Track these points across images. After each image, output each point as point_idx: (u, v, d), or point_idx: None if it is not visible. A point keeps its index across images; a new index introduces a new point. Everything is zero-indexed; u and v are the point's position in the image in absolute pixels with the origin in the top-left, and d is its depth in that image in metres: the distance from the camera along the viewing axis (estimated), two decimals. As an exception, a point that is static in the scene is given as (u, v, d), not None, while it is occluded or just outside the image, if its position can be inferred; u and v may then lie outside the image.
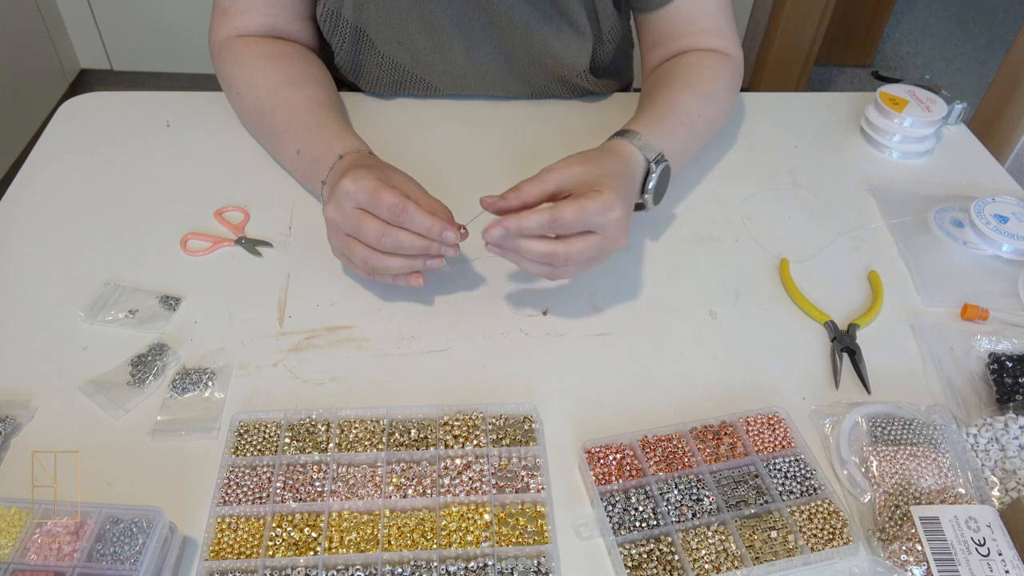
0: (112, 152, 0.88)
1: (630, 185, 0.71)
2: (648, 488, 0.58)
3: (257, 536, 0.55)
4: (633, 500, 0.58)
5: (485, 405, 0.63)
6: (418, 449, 0.60)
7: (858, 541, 0.56)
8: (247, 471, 0.59)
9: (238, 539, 0.55)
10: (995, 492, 0.59)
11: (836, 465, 0.61)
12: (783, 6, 2.20)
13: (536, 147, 0.91)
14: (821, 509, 0.57)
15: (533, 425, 0.62)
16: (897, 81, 0.96)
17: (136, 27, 2.36)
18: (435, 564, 0.54)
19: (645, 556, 0.54)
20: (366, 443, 0.61)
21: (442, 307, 0.73)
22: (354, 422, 0.62)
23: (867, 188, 0.88)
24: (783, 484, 0.59)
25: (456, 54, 0.89)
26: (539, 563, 0.54)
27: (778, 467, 0.60)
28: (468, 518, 0.57)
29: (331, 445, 0.60)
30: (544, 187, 0.67)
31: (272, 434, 0.61)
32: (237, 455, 0.60)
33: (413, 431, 0.61)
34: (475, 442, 0.61)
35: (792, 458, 0.60)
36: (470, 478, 0.59)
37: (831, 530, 0.56)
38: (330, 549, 0.55)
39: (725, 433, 0.62)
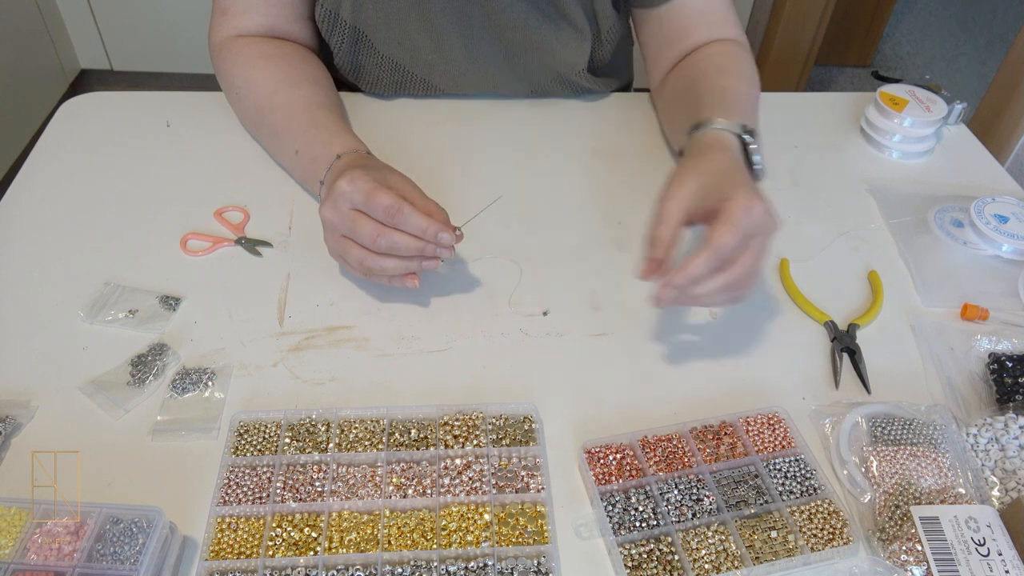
0: (112, 152, 0.88)
1: (742, 166, 0.68)
2: (648, 488, 0.58)
3: (257, 536, 0.55)
4: (633, 500, 0.58)
5: (485, 405, 0.63)
6: (418, 449, 0.60)
7: (858, 541, 0.56)
8: (247, 471, 0.59)
9: (238, 539, 0.55)
10: (995, 492, 0.59)
11: (836, 465, 0.61)
12: (783, 6, 2.20)
13: (536, 147, 0.91)
14: (821, 509, 0.57)
15: (533, 425, 0.62)
16: (897, 81, 0.96)
17: (136, 27, 2.36)
18: (435, 564, 0.54)
19: (645, 556, 0.54)
20: (366, 443, 0.61)
21: (442, 307, 0.73)
22: (354, 422, 0.62)
23: (867, 188, 0.88)
24: (783, 484, 0.59)
25: (456, 53, 0.89)
26: (539, 563, 0.54)
27: (778, 467, 0.60)
28: (468, 518, 0.57)
29: (331, 445, 0.60)
30: (673, 223, 0.62)
31: (272, 434, 0.61)
32: (237, 455, 0.60)
33: (413, 431, 0.61)
34: (475, 442, 0.61)
35: (792, 458, 0.60)
36: (470, 478, 0.59)
37: (831, 530, 0.56)
38: (330, 549, 0.55)
39: (725, 433, 0.62)
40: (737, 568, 0.54)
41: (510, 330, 0.71)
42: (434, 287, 0.74)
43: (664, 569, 0.54)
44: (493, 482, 0.59)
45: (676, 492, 0.58)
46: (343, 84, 0.96)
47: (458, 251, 0.76)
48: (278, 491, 0.57)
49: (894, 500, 0.57)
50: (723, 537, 0.56)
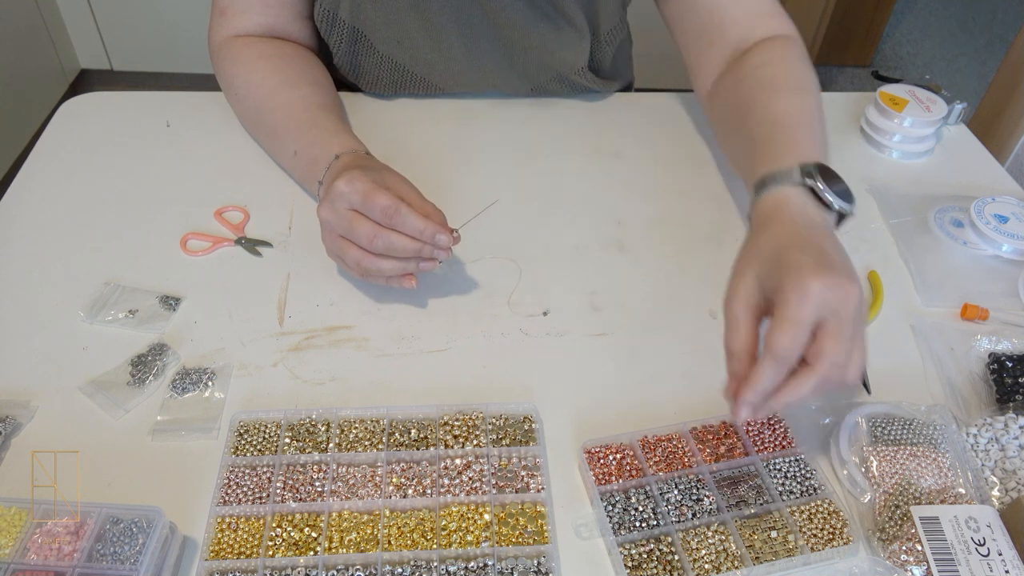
0: (112, 152, 0.88)
1: (809, 229, 0.59)
2: (648, 488, 0.58)
3: (257, 536, 0.55)
4: (633, 500, 0.58)
5: (485, 405, 0.63)
6: (418, 449, 0.60)
7: (858, 541, 0.56)
8: (247, 471, 0.59)
9: (238, 539, 0.55)
10: (995, 492, 0.59)
11: (836, 465, 0.61)
12: (783, 6, 2.20)
13: (536, 147, 0.91)
14: (821, 509, 0.57)
15: (533, 425, 0.62)
16: (897, 81, 0.96)
17: (136, 27, 2.36)
18: (435, 564, 0.54)
19: (645, 556, 0.54)
20: (366, 443, 0.61)
21: (442, 307, 0.73)
22: (354, 422, 0.62)
23: (867, 188, 0.88)
24: (783, 484, 0.59)
25: (455, 52, 0.89)
26: (539, 563, 0.54)
27: (778, 467, 0.60)
28: (468, 518, 0.57)
29: (331, 445, 0.60)
30: (742, 328, 0.56)
31: (272, 434, 0.61)
32: (237, 455, 0.60)
33: (413, 431, 0.61)
34: (475, 442, 0.61)
35: (792, 458, 0.60)
36: (470, 478, 0.59)
37: (831, 530, 0.56)
38: (330, 549, 0.55)
39: (725, 433, 0.62)
40: (737, 568, 0.54)
41: (510, 330, 0.71)
42: (434, 287, 0.74)
43: (664, 569, 0.54)
44: (493, 482, 0.59)
45: (676, 492, 0.58)
46: (343, 84, 0.96)
47: (457, 251, 0.76)
48: (278, 491, 0.57)
49: (894, 500, 0.57)
50: (723, 537, 0.56)
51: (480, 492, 0.58)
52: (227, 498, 0.57)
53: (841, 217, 0.63)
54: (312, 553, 0.54)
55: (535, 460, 0.60)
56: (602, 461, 0.60)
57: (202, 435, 0.62)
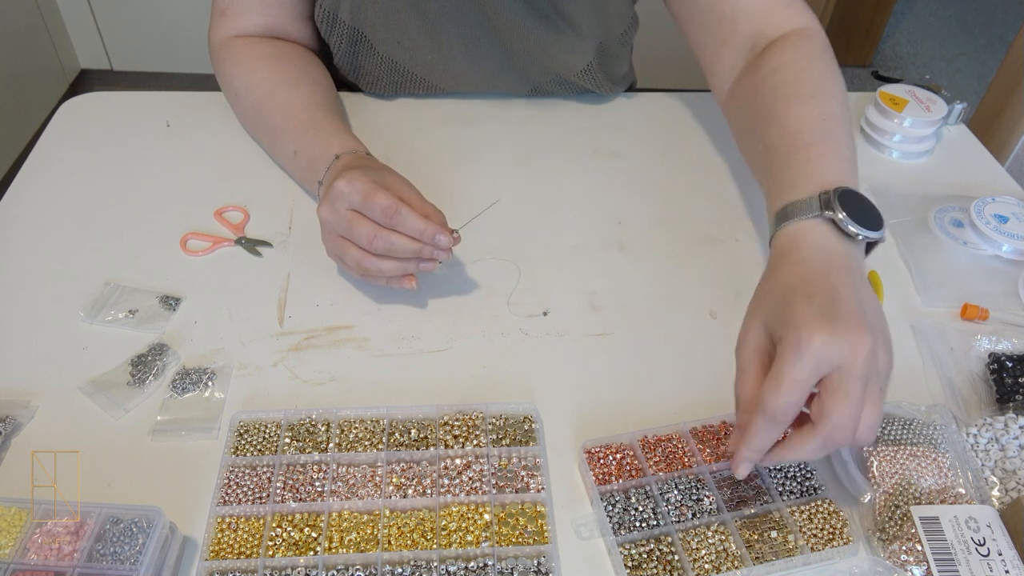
0: (112, 152, 0.88)
1: (819, 272, 0.54)
2: (648, 488, 0.58)
3: (257, 536, 0.55)
4: (633, 500, 0.58)
5: (485, 405, 0.63)
6: (418, 449, 0.60)
7: (858, 541, 0.56)
8: (247, 471, 0.59)
9: (238, 539, 0.55)
10: (995, 492, 0.59)
11: (836, 465, 0.61)
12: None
13: (536, 147, 0.91)
14: (821, 509, 0.57)
15: (533, 425, 0.62)
16: (897, 81, 0.96)
17: (136, 27, 2.36)
18: (435, 564, 0.54)
19: (645, 556, 0.54)
20: (366, 443, 0.61)
21: (442, 307, 0.73)
22: (354, 422, 0.62)
23: (867, 188, 0.88)
24: (783, 484, 0.59)
25: (455, 52, 0.89)
26: (539, 563, 0.54)
27: (778, 467, 0.60)
28: (468, 518, 0.57)
29: (331, 445, 0.60)
30: (750, 376, 0.53)
31: (272, 434, 0.61)
32: (237, 455, 0.60)
33: (413, 431, 0.61)
34: (475, 442, 0.61)
35: (792, 458, 0.60)
36: (470, 478, 0.59)
37: (831, 530, 0.56)
38: (330, 549, 0.55)
39: (725, 433, 0.62)
40: (737, 568, 0.54)
41: (510, 330, 0.71)
42: (434, 287, 0.74)
43: (664, 569, 0.54)
44: (493, 482, 0.59)
45: (676, 492, 0.58)
46: (343, 84, 0.96)
47: (457, 251, 0.76)
48: (278, 491, 0.57)
49: (894, 500, 0.57)
50: (723, 537, 0.56)
51: (480, 492, 0.58)
52: (227, 498, 0.57)
53: (871, 244, 0.59)
54: (312, 553, 0.54)
55: (535, 460, 0.60)
56: (602, 461, 0.60)
57: (202, 435, 0.62)
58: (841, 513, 0.57)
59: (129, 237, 0.78)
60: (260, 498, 0.57)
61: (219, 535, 0.55)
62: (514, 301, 0.73)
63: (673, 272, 0.77)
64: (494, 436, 0.61)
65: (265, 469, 0.59)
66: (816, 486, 0.59)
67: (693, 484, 0.59)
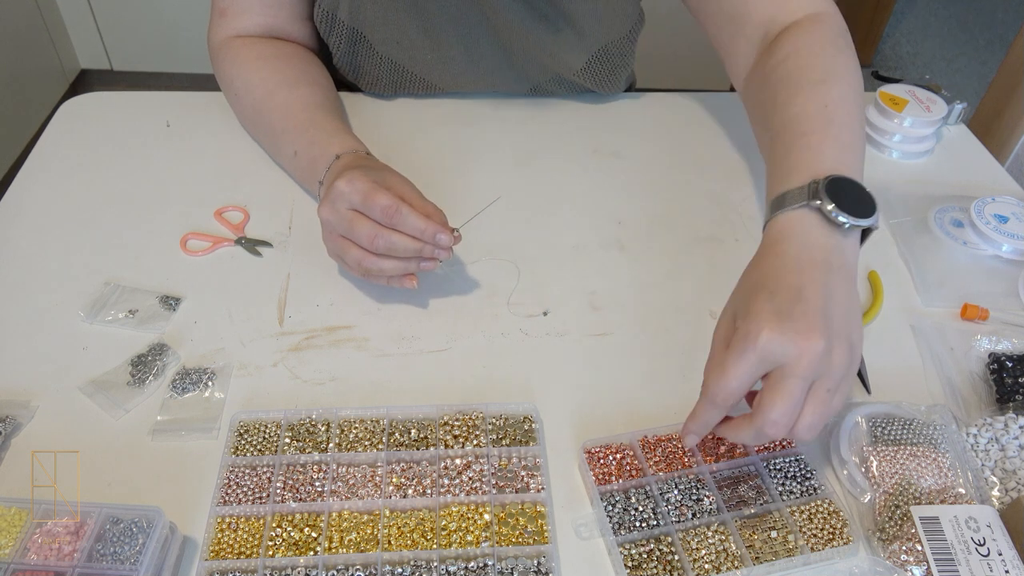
0: (112, 152, 0.88)
1: (793, 267, 0.54)
2: (648, 488, 0.58)
3: (257, 536, 0.55)
4: (633, 500, 0.58)
5: (485, 405, 0.63)
6: (418, 449, 0.60)
7: (858, 541, 0.56)
8: (247, 471, 0.59)
9: (238, 539, 0.55)
10: (995, 492, 0.59)
11: (836, 465, 0.61)
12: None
13: (537, 147, 0.91)
14: (821, 509, 0.57)
15: (533, 425, 0.62)
16: (897, 81, 0.96)
17: (136, 27, 2.36)
18: (435, 564, 0.54)
19: (645, 556, 0.54)
20: (366, 443, 0.61)
21: (442, 307, 0.73)
22: (354, 422, 0.62)
23: (867, 188, 0.88)
24: (783, 484, 0.59)
25: (454, 52, 0.89)
26: (539, 563, 0.54)
27: (778, 467, 0.60)
28: (468, 518, 0.57)
29: (331, 445, 0.60)
30: (714, 358, 0.55)
31: (272, 434, 0.61)
32: (237, 455, 0.60)
33: (413, 431, 0.61)
34: (475, 442, 0.61)
35: (792, 458, 0.60)
36: (470, 478, 0.59)
37: (831, 530, 0.56)
38: (330, 549, 0.55)
39: (725, 433, 0.62)
40: (737, 568, 0.54)
41: (510, 330, 0.71)
42: (434, 287, 0.74)
43: (664, 569, 0.54)
44: (493, 482, 0.59)
45: (676, 492, 0.58)
46: (343, 84, 0.96)
47: (458, 251, 0.76)
48: (278, 491, 0.57)
49: (894, 500, 0.57)
50: (723, 537, 0.55)
51: (480, 492, 0.58)
52: (227, 498, 0.57)
53: (866, 231, 0.58)
54: (312, 553, 0.54)
55: (535, 460, 0.60)
56: (602, 461, 0.60)
57: (202, 435, 0.62)
58: (841, 513, 0.57)
59: (129, 237, 0.78)
60: (260, 498, 0.57)
61: (219, 535, 0.55)
62: (514, 301, 0.73)
63: (673, 272, 0.77)
64: (494, 436, 0.61)
65: (265, 469, 0.59)
66: (816, 486, 0.59)
67: (693, 484, 0.59)
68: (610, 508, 0.57)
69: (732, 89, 0.86)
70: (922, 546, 0.54)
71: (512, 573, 0.53)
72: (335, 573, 0.53)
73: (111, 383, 0.65)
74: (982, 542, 0.54)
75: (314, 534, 0.55)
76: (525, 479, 0.59)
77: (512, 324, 0.71)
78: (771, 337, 0.50)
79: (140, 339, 0.68)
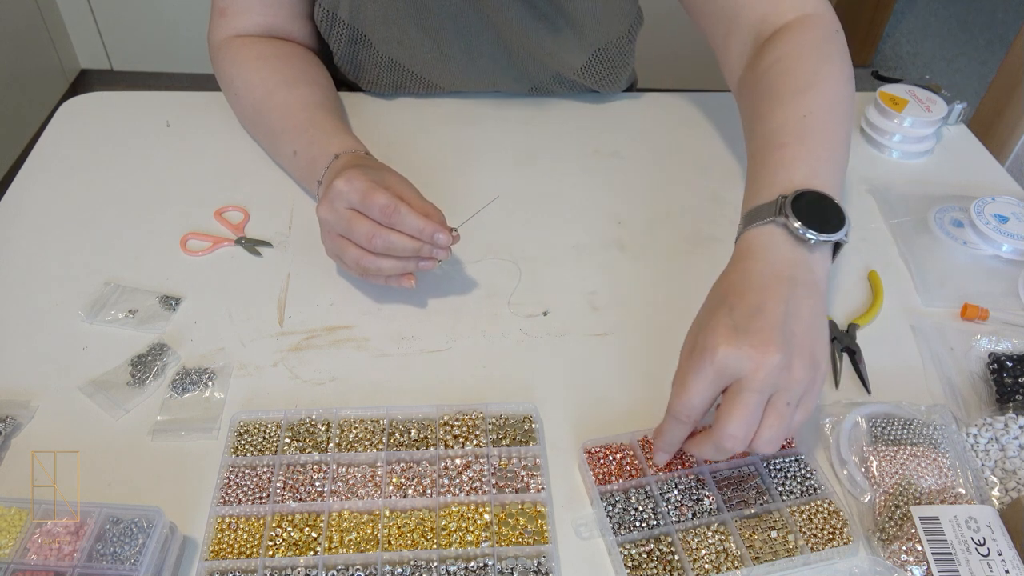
0: (112, 152, 0.88)
1: (756, 283, 0.54)
2: (648, 488, 0.58)
3: (257, 536, 0.55)
4: (633, 500, 0.58)
5: (485, 405, 0.63)
6: (418, 449, 0.60)
7: (858, 541, 0.56)
8: (247, 471, 0.59)
9: (238, 539, 0.55)
10: (995, 492, 0.59)
11: (836, 465, 0.61)
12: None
13: (536, 147, 0.91)
14: (821, 509, 0.57)
15: (533, 425, 0.62)
16: (897, 81, 0.96)
17: (136, 27, 2.36)
18: (435, 564, 0.54)
19: (645, 556, 0.54)
20: (366, 443, 0.61)
21: (442, 307, 0.73)
22: (354, 422, 0.62)
23: (867, 188, 0.88)
24: (783, 484, 0.59)
25: (454, 51, 0.89)
26: (539, 563, 0.54)
27: (778, 467, 0.60)
28: (468, 518, 0.57)
29: (331, 445, 0.60)
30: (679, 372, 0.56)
31: (272, 434, 0.61)
32: (237, 455, 0.60)
33: (413, 431, 0.61)
34: (475, 442, 0.61)
35: (792, 458, 0.60)
36: (470, 478, 0.59)
37: (831, 530, 0.56)
38: (330, 549, 0.55)
39: (725, 433, 0.62)
40: (737, 568, 0.54)
41: (510, 330, 0.71)
42: (434, 287, 0.74)
43: (664, 569, 0.54)
44: (493, 482, 0.59)
45: (676, 492, 0.58)
46: (343, 83, 0.96)
47: (458, 251, 0.76)
48: (278, 491, 0.57)
49: (894, 500, 0.57)
50: (723, 537, 0.55)
51: (480, 492, 0.58)
52: (227, 498, 0.57)
53: (837, 244, 0.59)
54: (312, 553, 0.54)
55: (535, 460, 0.60)
56: (602, 461, 0.60)
57: (202, 435, 0.62)
58: (841, 513, 0.57)
59: (129, 237, 0.78)
60: (260, 498, 0.57)
61: (219, 535, 0.55)
62: (514, 301, 0.73)
63: (673, 272, 0.77)
64: (494, 436, 0.61)
65: (265, 469, 0.59)
66: (816, 486, 0.59)
67: (693, 484, 0.59)
68: (610, 508, 0.57)
69: (732, 89, 0.86)
70: (922, 546, 0.54)
71: (512, 573, 0.53)
72: (335, 573, 0.53)
73: (111, 383, 0.65)
74: (982, 542, 0.54)
75: (314, 534, 0.55)
76: (525, 479, 0.59)
77: (512, 324, 0.71)
78: (727, 352, 0.50)
79: (140, 339, 0.68)
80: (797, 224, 0.56)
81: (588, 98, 0.98)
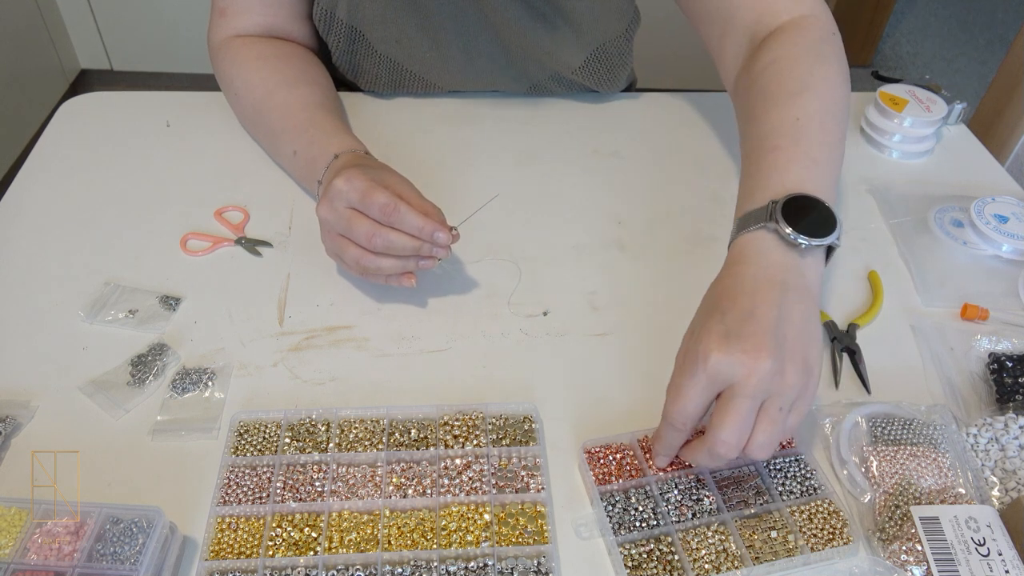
0: (112, 152, 0.88)
1: (748, 288, 0.55)
2: (648, 488, 0.58)
3: (257, 536, 0.55)
4: (633, 500, 0.58)
5: (485, 405, 0.63)
6: (418, 449, 0.60)
7: (858, 541, 0.56)
8: (247, 471, 0.59)
9: (238, 539, 0.55)
10: (995, 492, 0.59)
11: (836, 465, 0.61)
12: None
13: (536, 147, 0.91)
14: (821, 509, 0.57)
15: (533, 425, 0.62)
16: (897, 81, 0.96)
17: (136, 27, 2.36)
18: (435, 564, 0.54)
19: (645, 556, 0.54)
20: (366, 443, 0.61)
21: (442, 307, 0.73)
22: (354, 422, 0.62)
23: (867, 188, 0.88)
24: (783, 484, 0.59)
25: (453, 51, 0.89)
26: (539, 563, 0.54)
27: (778, 467, 0.60)
28: (468, 518, 0.57)
29: (331, 445, 0.60)
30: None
31: (272, 434, 0.61)
32: (237, 455, 0.60)
33: (413, 431, 0.61)
34: (475, 442, 0.61)
35: (792, 458, 0.60)
36: (470, 478, 0.59)
37: (831, 530, 0.56)
38: (330, 549, 0.55)
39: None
40: (737, 568, 0.54)
41: (510, 330, 0.71)
42: (434, 287, 0.74)
43: (664, 569, 0.54)
44: (493, 482, 0.59)
45: (676, 492, 0.58)
46: (342, 83, 0.96)
47: (457, 251, 0.77)
48: (278, 491, 0.57)
49: (894, 500, 0.57)
50: (723, 537, 0.55)
51: (480, 492, 0.58)
52: (227, 498, 0.57)
53: (830, 248, 0.59)
54: (312, 553, 0.54)
55: (535, 460, 0.60)
56: (602, 461, 0.60)
57: (202, 435, 0.62)
58: (841, 513, 0.57)
59: (129, 237, 0.78)
60: (260, 498, 0.57)
61: (219, 535, 0.55)
62: (514, 301, 0.73)
63: (673, 272, 0.77)
64: (494, 436, 0.61)
65: (265, 469, 0.59)
66: (816, 486, 0.59)
67: (693, 484, 0.59)
68: (610, 508, 0.57)
69: (732, 89, 0.86)
70: (922, 546, 0.54)
71: (512, 573, 0.53)
72: (335, 573, 0.53)
73: (111, 383, 0.65)
74: (982, 542, 0.54)
75: (314, 534, 0.55)
76: (525, 479, 0.59)
77: (512, 324, 0.71)
78: (719, 358, 0.51)
79: (140, 339, 0.68)
80: (788, 229, 0.56)
81: (587, 98, 0.98)
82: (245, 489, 0.58)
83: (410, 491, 0.58)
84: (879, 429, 0.62)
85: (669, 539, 0.55)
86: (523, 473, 0.59)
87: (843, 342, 0.70)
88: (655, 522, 0.56)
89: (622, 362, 0.69)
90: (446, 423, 0.62)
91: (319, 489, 0.58)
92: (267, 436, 0.61)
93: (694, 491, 0.58)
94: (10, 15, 2.10)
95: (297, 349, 0.68)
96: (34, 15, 2.21)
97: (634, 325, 0.72)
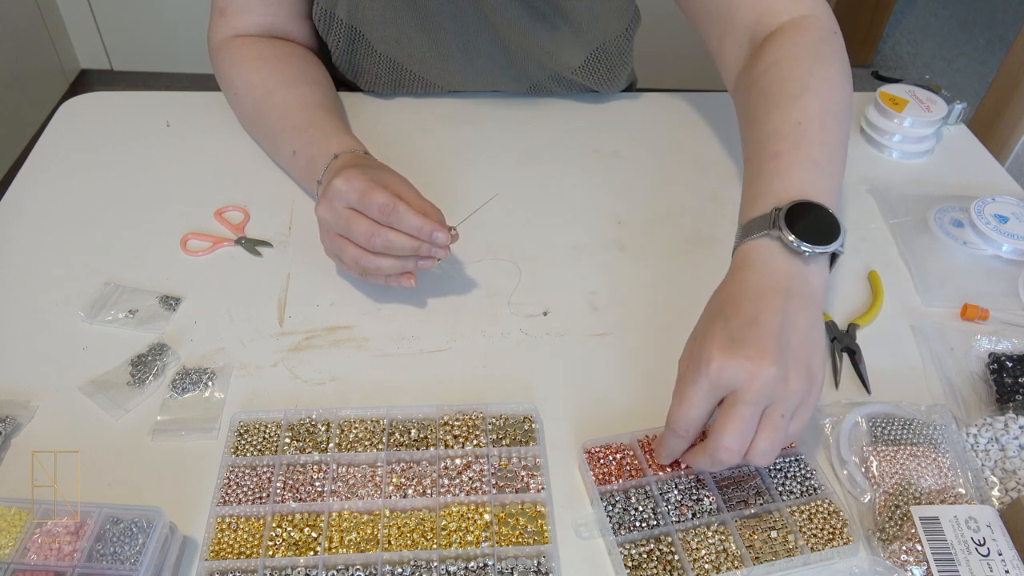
0: (112, 152, 0.88)
1: (752, 295, 0.54)
2: (648, 488, 0.58)
3: (257, 536, 0.55)
4: (633, 500, 0.58)
5: (485, 405, 0.63)
6: (418, 449, 0.60)
7: (858, 541, 0.56)
8: (247, 471, 0.59)
9: (238, 539, 0.55)
10: (995, 492, 0.59)
11: (836, 465, 0.61)
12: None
13: (536, 147, 0.91)
14: (821, 509, 0.57)
15: (533, 425, 0.62)
16: (897, 81, 0.96)
17: (136, 27, 2.36)
18: (435, 564, 0.54)
19: (645, 556, 0.54)
20: (366, 443, 0.61)
21: (442, 307, 0.73)
22: (354, 422, 0.62)
23: (867, 188, 0.88)
24: (783, 484, 0.59)
25: (453, 50, 0.89)
26: (539, 563, 0.54)
27: (778, 467, 0.60)
28: (468, 518, 0.57)
29: (331, 445, 0.60)
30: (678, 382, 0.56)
31: (272, 434, 0.61)
32: (237, 455, 0.60)
33: (413, 431, 0.61)
34: (475, 442, 0.61)
35: (792, 458, 0.60)
36: (470, 478, 0.59)
37: (831, 530, 0.56)
38: (330, 549, 0.55)
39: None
40: (737, 568, 0.54)
41: (510, 330, 0.71)
42: (434, 287, 0.74)
43: (664, 569, 0.54)
44: (493, 482, 0.59)
45: (676, 492, 0.58)
46: (342, 83, 0.96)
47: (457, 251, 0.77)
48: (278, 491, 0.57)
49: (894, 500, 0.57)
50: (723, 537, 0.55)
51: (480, 492, 0.58)
52: (227, 498, 0.57)
53: (834, 255, 0.58)
54: (312, 553, 0.54)
55: (535, 460, 0.60)
56: (602, 461, 0.60)
57: (202, 435, 0.62)
58: (841, 513, 0.57)
59: (129, 237, 0.78)
60: (260, 498, 0.57)
61: (219, 535, 0.55)
62: (514, 301, 0.73)
63: (673, 272, 0.77)
64: (494, 436, 0.61)
65: (265, 469, 0.59)
66: (816, 486, 0.59)
67: (693, 484, 0.59)
68: (610, 508, 0.57)
69: (732, 89, 0.86)
70: (922, 546, 0.54)
71: (512, 573, 0.53)
72: (335, 573, 0.53)
73: (111, 383, 0.65)
74: (982, 542, 0.54)
75: (314, 534, 0.55)
76: (525, 479, 0.59)
77: (512, 324, 0.71)
78: (722, 363, 0.51)
79: (140, 339, 0.68)
80: (791, 237, 0.56)
81: (587, 98, 0.98)
82: (245, 489, 0.58)
83: (410, 491, 0.58)
84: (879, 429, 0.62)
85: (669, 539, 0.55)
86: (523, 473, 0.59)
87: (843, 342, 0.70)
88: (655, 522, 0.56)
89: (622, 362, 0.69)
90: (446, 423, 0.62)
91: (319, 489, 0.58)
92: (267, 436, 0.61)
93: (694, 491, 0.58)
94: (10, 15, 2.10)
95: (297, 349, 0.68)
96: (34, 15, 2.21)
97: (634, 325, 0.72)
